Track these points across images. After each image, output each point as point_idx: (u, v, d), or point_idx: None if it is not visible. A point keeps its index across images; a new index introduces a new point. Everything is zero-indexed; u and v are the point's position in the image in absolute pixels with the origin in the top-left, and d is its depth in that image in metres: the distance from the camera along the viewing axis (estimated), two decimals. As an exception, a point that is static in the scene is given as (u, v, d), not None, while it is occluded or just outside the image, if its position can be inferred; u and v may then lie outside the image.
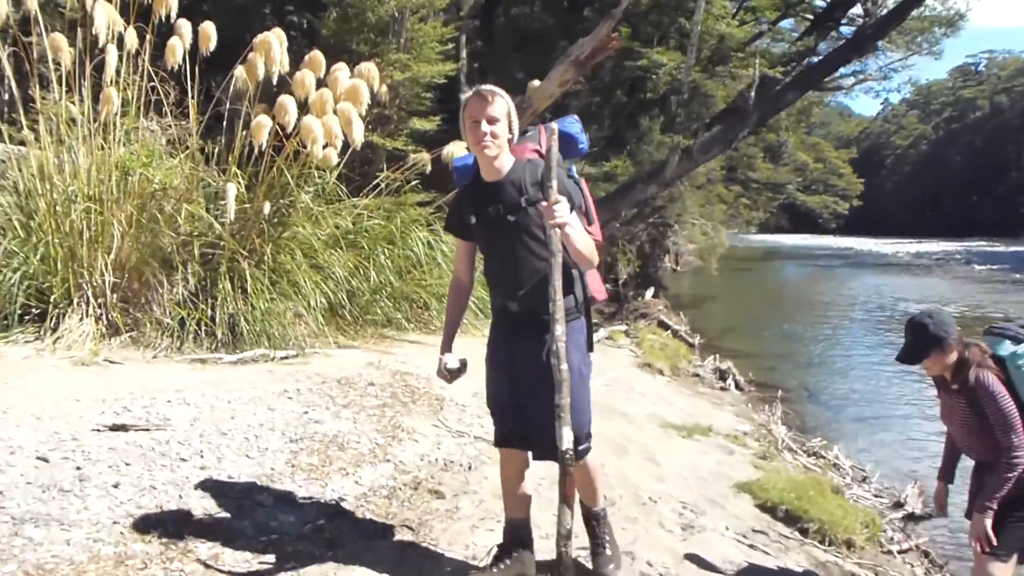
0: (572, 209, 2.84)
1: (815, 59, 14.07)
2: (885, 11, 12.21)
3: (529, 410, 3.03)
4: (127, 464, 3.76)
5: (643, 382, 7.98)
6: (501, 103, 2.91)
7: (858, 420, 8.98)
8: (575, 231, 2.82)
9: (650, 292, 15.93)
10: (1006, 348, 3.58)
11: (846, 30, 16.38)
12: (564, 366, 2.73)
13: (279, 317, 6.74)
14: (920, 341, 3.47)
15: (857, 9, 13.87)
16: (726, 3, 14.37)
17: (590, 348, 3.16)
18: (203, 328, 6.42)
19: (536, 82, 9.23)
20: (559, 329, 2.73)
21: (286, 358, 6.37)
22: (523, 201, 2.92)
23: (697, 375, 9.37)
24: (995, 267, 34.08)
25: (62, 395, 4.62)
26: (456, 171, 3.38)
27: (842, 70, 14.15)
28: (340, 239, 7.81)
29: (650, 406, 6.52)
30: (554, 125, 2.83)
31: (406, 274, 8.27)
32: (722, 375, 9.52)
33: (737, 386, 9.32)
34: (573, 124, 3.38)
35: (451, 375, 3.10)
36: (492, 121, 2.86)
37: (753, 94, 11.96)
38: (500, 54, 14.30)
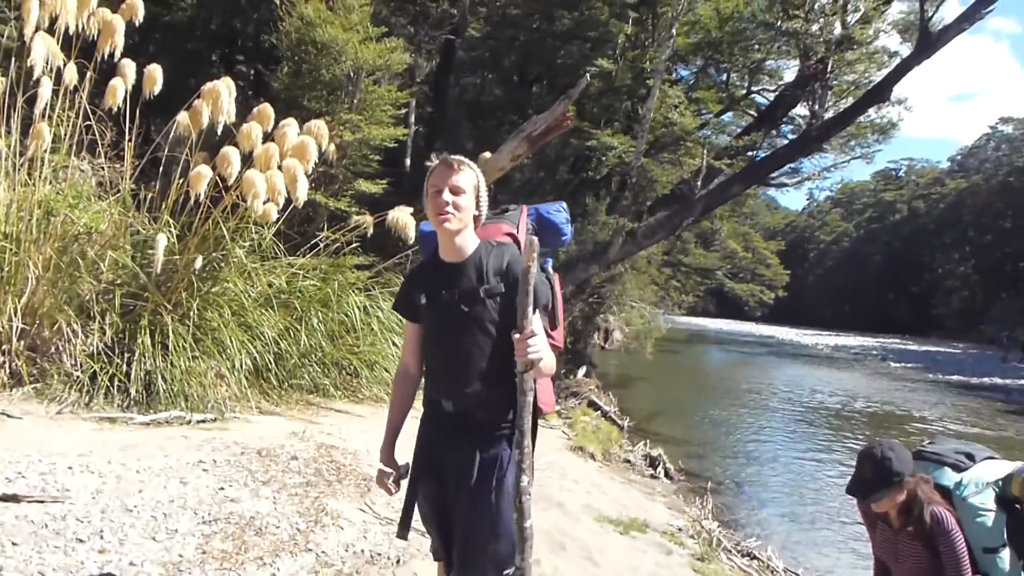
0: (536, 309, 2.53)
1: (760, 154, 14.43)
2: (830, 115, 12.62)
3: (454, 525, 2.65)
4: (14, 544, 3.35)
5: (576, 467, 7.75)
6: (469, 174, 2.60)
7: (784, 516, 8.90)
8: (546, 359, 2.51)
9: (582, 371, 15.81)
10: (948, 478, 3.39)
11: (786, 128, 17.03)
12: (528, 523, 2.44)
13: (199, 377, 6.37)
14: (880, 476, 3.21)
15: (801, 111, 14.33)
16: (679, 92, 14.69)
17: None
18: (116, 384, 6.00)
19: (487, 154, 9.15)
20: (525, 480, 2.41)
21: (203, 422, 6.00)
22: (481, 291, 2.57)
23: (628, 461, 9.19)
24: (909, 365, 35.12)
25: (-52, 454, 4.18)
26: (422, 236, 3.01)
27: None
28: (272, 298, 7.48)
29: (585, 495, 6.29)
30: (535, 239, 2.43)
31: (338, 339, 7.96)
32: (652, 462, 9.35)
33: (667, 474, 9.16)
34: (559, 212, 3.09)
35: (394, 487, 2.75)
36: (456, 191, 2.54)
37: (700, 183, 12.14)
38: (451, 123, 14.31)
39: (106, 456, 4.64)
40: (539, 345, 2.38)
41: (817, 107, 12.30)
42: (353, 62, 9.30)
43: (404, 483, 2.77)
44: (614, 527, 5.64)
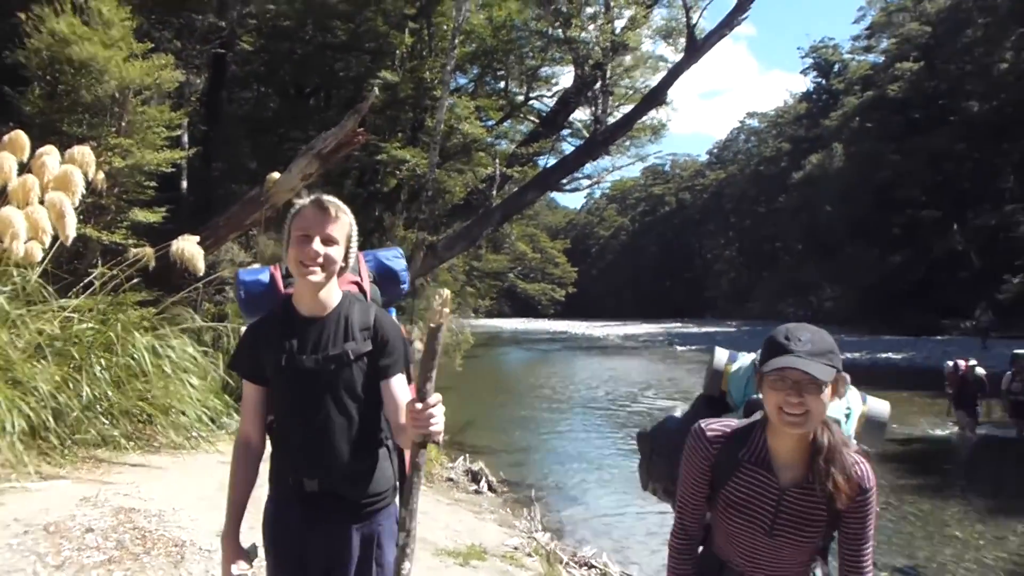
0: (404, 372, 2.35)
1: (548, 160, 14.85)
2: (613, 119, 13.12)
3: None
4: None
5: (399, 494, 7.49)
6: (345, 222, 2.31)
7: (606, 513, 9.07)
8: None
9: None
10: (835, 407, 2.37)
11: (565, 132, 17.65)
12: None
13: (-37, 446, 5.55)
14: (824, 348, 2.10)
15: (581, 115, 14.86)
16: (467, 102, 14.75)
17: None
18: None
19: (276, 174, 8.70)
20: (407, 566, 2.08)
21: (-28, 498, 5.21)
22: (349, 351, 2.28)
23: (451, 479, 9.05)
24: (694, 347, 37.58)
25: None
26: (243, 288, 2.59)
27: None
28: (44, 347, 6.67)
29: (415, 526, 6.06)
30: (447, 292, 2.09)
31: (126, 385, 7.23)
32: (475, 477, 9.26)
33: (491, 488, 9.11)
34: (398, 259, 2.83)
35: None
36: (329, 242, 2.24)
37: (495, 191, 12.25)
38: (229, 141, 13.54)
39: None
40: (439, 417, 2.06)
41: (600, 112, 12.77)
42: (118, 82, 8.49)
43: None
44: (453, 559, 5.46)
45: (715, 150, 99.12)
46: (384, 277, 2.75)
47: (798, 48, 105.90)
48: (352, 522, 2.30)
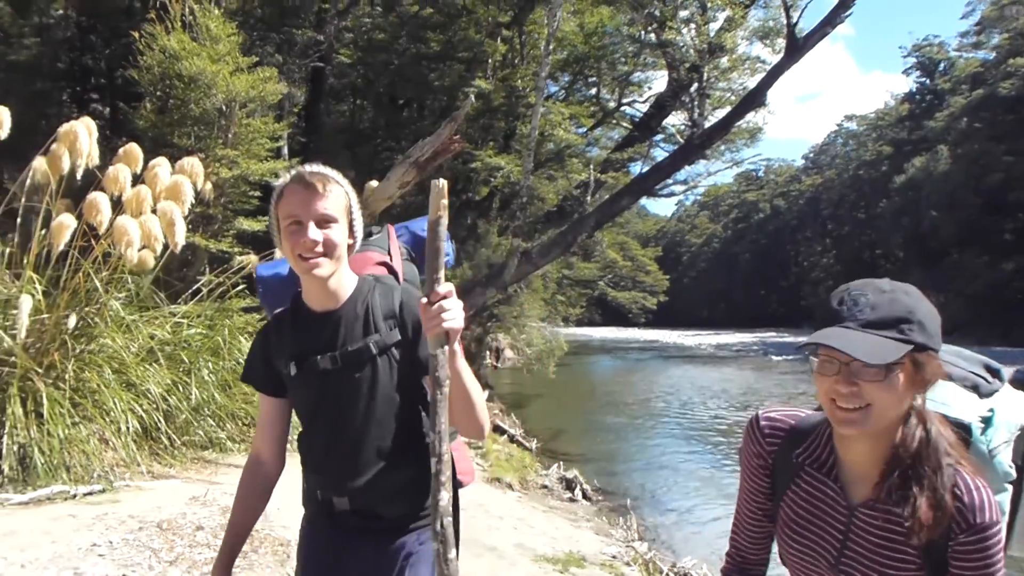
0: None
1: (641, 165, 14.73)
2: (709, 123, 12.92)
3: None
4: None
5: (496, 501, 7.50)
6: (338, 194, 1.89)
7: (702, 522, 8.89)
8: (463, 362, 1.78)
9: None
10: (962, 406, 1.66)
11: (658, 138, 17.45)
12: (452, 554, 1.62)
13: (81, 444, 5.82)
14: (896, 316, 1.43)
15: (674, 120, 14.67)
16: (561, 108, 14.79)
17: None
18: (-15, 463, 5.37)
19: (374, 183, 8.83)
20: (443, 497, 1.62)
21: (90, 494, 5.46)
22: (372, 345, 1.92)
23: (545, 486, 9.02)
24: (789, 357, 36.52)
25: None
26: (261, 284, 2.30)
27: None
28: (156, 351, 6.94)
29: (513, 532, 6.05)
30: (443, 181, 1.72)
31: (232, 388, 7.47)
32: (569, 485, 9.22)
33: (585, 496, 9.06)
34: None
35: None
36: (324, 222, 1.84)
37: (589, 199, 12.22)
38: (327, 152, 13.89)
39: (-19, 552, 4.09)
40: (455, 310, 1.66)
41: (697, 115, 12.58)
42: (225, 95, 8.83)
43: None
44: (552, 566, 5.42)
45: (811, 154, 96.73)
46: (421, 253, 2.31)
47: (900, 47, 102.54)
48: (389, 543, 2.00)
